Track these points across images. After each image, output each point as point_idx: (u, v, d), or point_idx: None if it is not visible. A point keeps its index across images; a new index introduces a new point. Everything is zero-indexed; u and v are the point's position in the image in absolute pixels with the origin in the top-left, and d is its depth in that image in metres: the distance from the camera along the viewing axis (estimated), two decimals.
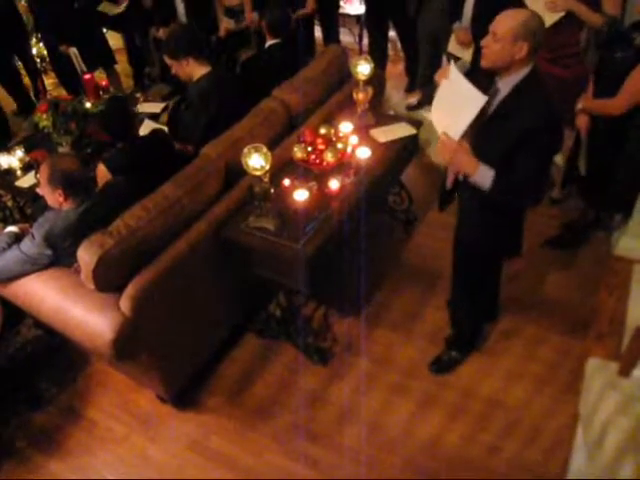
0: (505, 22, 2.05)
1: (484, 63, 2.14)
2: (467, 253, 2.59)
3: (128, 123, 3.05)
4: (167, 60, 3.30)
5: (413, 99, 4.91)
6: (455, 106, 2.18)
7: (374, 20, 4.81)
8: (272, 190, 2.45)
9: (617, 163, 3.04)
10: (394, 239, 3.66)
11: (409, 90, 5.15)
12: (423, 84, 4.79)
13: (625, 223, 3.31)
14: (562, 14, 3.14)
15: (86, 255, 2.34)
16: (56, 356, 3.17)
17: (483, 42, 2.12)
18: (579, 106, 3.10)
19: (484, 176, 2.13)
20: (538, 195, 2.31)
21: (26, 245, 2.56)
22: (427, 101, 4.73)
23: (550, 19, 3.17)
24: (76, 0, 4.81)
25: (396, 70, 5.35)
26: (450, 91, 2.23)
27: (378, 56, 4.94)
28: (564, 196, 3.81)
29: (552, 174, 3.95)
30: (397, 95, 5.10)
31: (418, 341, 2.95)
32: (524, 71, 2.10)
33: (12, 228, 2.82)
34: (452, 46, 4.01)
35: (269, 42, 3.83)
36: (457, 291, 2.80)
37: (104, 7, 5.08)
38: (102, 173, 2.93)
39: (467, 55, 3.87)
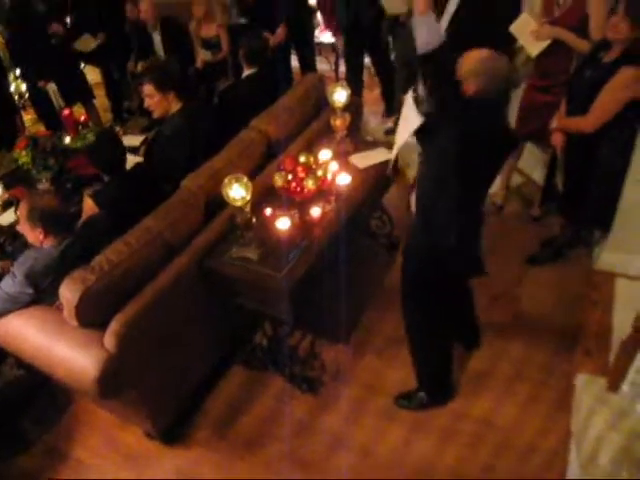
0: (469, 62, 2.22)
1: None
2: (414, 277, 2.57)
3: (118, 157, 3.02)
4: (150, 90, 3.26)
5: (390, 123, 4.96)
6: (403, 124, 2.46)
7: (351, 49, 4.89)
8: (254, 220, 2.45)
9: (593, 179, 3.09)
10: (377, 263, 3.66)
11: (386, 115, 5.22)
12: (400, 108, 4.85)
13: (605, 238, 3.36)
14: (548, 42, 3.22)
15: (68, 292, 2.32)
16: (39, 395, 3.11)
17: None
18: (553, 124, 3.16)
19: None
20: None
21: (7, 284, 2.53)
22: None
23: (537, 48, 3.27)
24: (53, 36, 4.83)
25: (373, 96, 5.42)
26: (404, 113, 2.47)
27: (355, 83, 5.00)
28: (544, 213, 3.86)
29: (530, 193, 4.02)
30: (375, 120, 5.17)
31: (406, 366, 2.94)
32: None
33: None
34: None
35: (246, 72, 3.87)
36: (409, 321, 2.71)
37: (80, 45, 5.12)
38: (89, 207, 2.91)
39: None
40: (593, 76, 2.88)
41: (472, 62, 2.19)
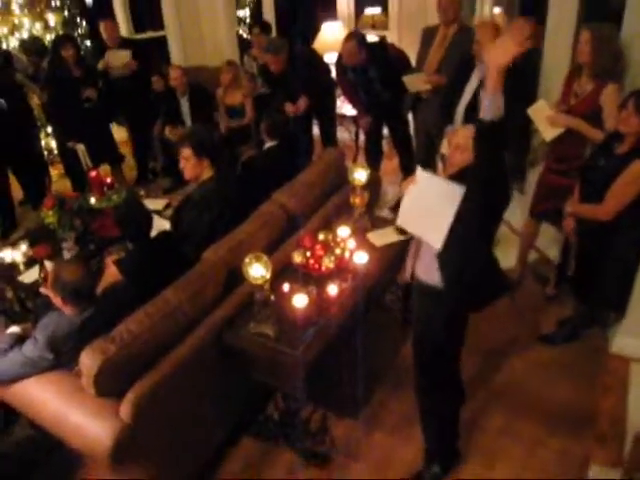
0: (465, 134, 2.25)
1: (450, 171, 2.33)
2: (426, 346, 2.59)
3: (144, 224, 3.10)
4: (187, 154, 3.35)
5: None
6: (432, 206, 2.24)
7: (371, 122, 5.04)
8: (272, 297, 2.51)
9: (606, 264, 3.13)
10: (390, 338, 3.68)
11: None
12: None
13: (619, 320, 3.35)
14: (562, 130, 3.32)
15: (88, 361, 2.37)
16: (50, 457, 3.12)
17: (449, 154, 2.32)
18: (568, 209, 3.22)
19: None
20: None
21: (28, 348, 2.58)
22: None
23: (551, 133, 3.37)
24: (86, 101, 5.04)
25: (391, 165, 5.54)
26: (422, 194, 2.30)
27: (374, 153, 5.16)
28: (559, 292, 3.88)
29: (546, 271, 4.05)
30: (392, 190, 5.26)
31: (418, 445, 2.92)
32: None
33: (15, 329, 2.84)
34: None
35: (268, 144, 4.01)
36: (426, 397, 2.73)
37: (110, 57, 5.29)
38: (112, 273, 2.98)
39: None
40: (607, 166, 2.96)
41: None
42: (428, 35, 4.48)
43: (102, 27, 5.34)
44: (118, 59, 5.30)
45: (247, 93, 5.37)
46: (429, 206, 2.26)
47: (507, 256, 3.97)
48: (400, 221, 2.43)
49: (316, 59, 5.28)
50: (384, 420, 3.16)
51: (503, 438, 3.01)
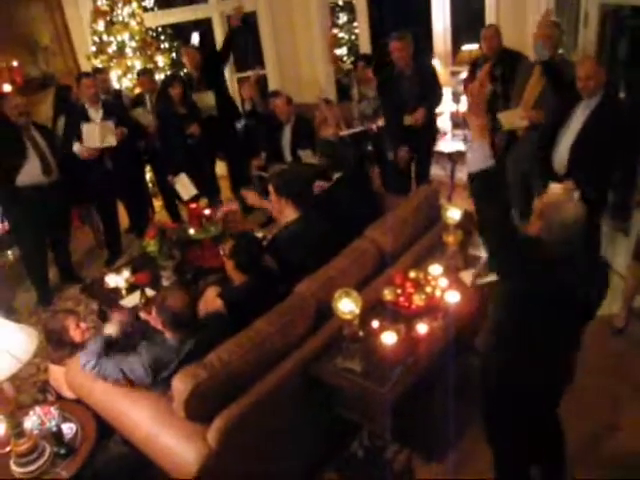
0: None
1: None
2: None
3: (256, 262, 3.14)
4: (271, 192, 3.47)
5: None
6: None
7: None
8: (361, 333, 2.50)
9: None
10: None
11: None
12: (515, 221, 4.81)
13: None
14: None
15: (181, 385, 2.46)
16: (139, 475, 3.21)
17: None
18: None
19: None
20: None
21: (134, 359, 2.70)
22: None
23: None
24: (190, 137, 5.32)
25: None
26: None
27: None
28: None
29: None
30: None
31: None
32: None
33: (110, 330, 2.96)
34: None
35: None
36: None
37: (199, 99, 5.54)
38: (212, 299, 3.09)
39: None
40: None
41: (545, 203, 2.16)
42: (526, 69, 4.38)
43: (184, 54, 5.68)
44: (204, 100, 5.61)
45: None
46: None
47: (611, 301, 3.75)
48: None
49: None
50: (470, 466, 3.03)
51: None
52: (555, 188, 3.80)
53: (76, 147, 4.83)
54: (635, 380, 3.39)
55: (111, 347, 2.86)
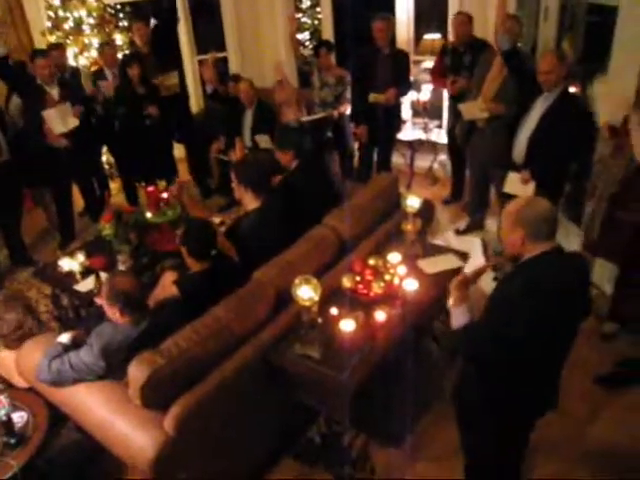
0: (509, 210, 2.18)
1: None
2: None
3: (208, 249, 3.08)
4: (233, 180, 3.46)
5: (462, 223, 5.00)
6: None
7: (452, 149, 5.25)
8: (319, 319, 2.51)
9: None
10: (438, 367, 3.61)
11: (448, 201, 5.45)
12: (472, 211, 4.92)
13: None
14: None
15: (136, 372, 2.42)
16: (93, 462, 3.17)
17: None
18: None
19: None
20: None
21: (85, 353, 2.65)
22: (475, 226, 4.85)
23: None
24: (148, 117, 5.20)
25: (446, 191, 5.51)
26: None
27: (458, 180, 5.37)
28: (616, 330, 3.72)
29: (601, 306, 3.89)
30: (446, 216, 5.22)
31: (461, 475, 2.84)
32: None
33: (64, 338, 2.89)
34: (509, 187, 3.96)
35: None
36: None
37: (162, 80, 5.44)
38: (166, 288, 3.04)
39: (529, 190, 3.77)
40: None
41: (515, 209, 2.12)
42: (486, 60, 4.42)
43: (134, 30, 5.57)
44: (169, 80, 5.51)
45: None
46: None
47: None
48: None
49: None
50: (428, 449, 3.09)
51: None
52: (513, 177, 3.87)
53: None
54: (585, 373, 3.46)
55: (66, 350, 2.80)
